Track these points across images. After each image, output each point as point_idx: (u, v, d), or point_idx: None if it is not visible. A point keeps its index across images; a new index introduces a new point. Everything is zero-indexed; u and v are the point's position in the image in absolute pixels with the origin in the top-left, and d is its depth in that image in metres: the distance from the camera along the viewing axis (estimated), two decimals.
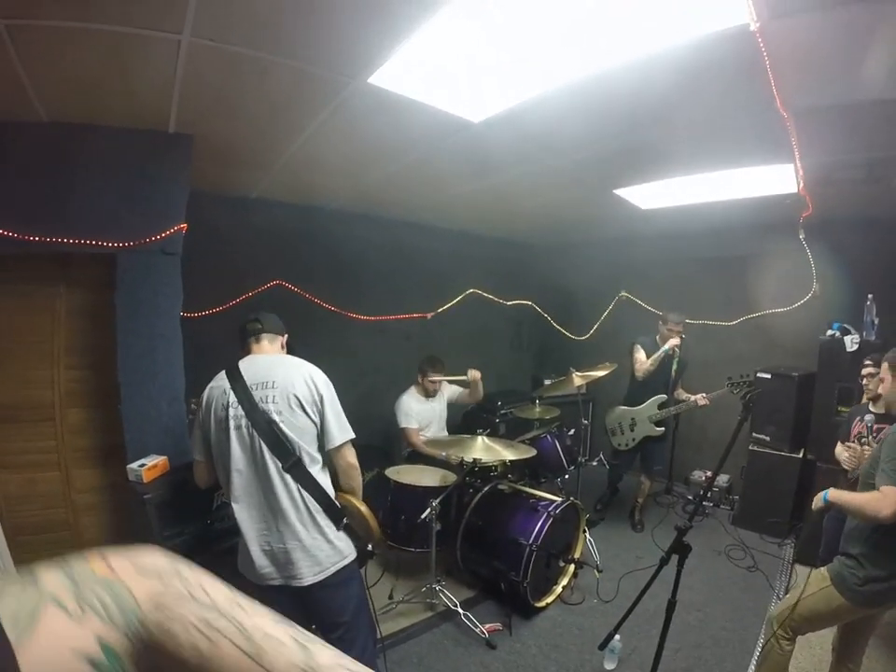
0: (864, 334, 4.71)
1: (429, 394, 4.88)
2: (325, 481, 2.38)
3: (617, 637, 3.24)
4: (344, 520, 2.40)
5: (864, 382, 3.81)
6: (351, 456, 2.46)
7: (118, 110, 2.87)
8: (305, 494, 2.28)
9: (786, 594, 4.05)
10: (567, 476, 4.99)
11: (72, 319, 3.29)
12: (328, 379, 2.42)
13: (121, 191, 3.09)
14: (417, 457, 4.65)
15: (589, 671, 3.35)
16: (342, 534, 2.38)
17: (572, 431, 5.49)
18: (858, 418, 3.76)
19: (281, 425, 2.27)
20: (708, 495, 5.62)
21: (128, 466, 2.93)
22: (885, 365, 2.66)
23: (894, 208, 4.74)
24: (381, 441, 5.24)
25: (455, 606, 3.77)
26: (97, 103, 2.76)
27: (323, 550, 2.30)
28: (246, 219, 4.62)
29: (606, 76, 2.55)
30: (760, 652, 2.95)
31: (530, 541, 3.70)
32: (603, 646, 2.80)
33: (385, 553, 4.24)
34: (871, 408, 3.74)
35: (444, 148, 3.56)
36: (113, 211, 3.06)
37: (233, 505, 2.33)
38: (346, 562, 2.39)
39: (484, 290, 6.47)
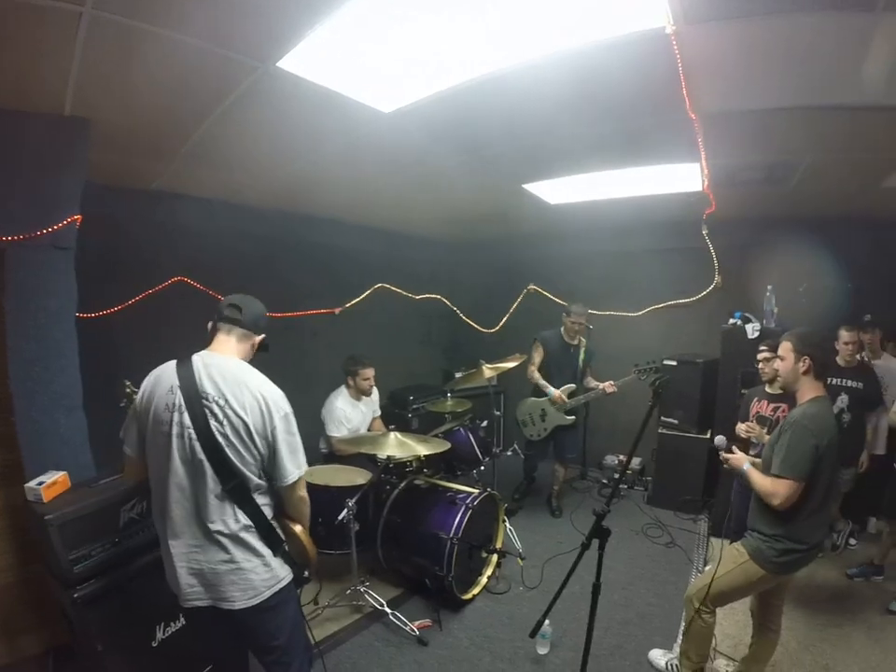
0: (765, 322, 5.01)
1: (364, 393, 4.75)
2: (266, 505, 2.17)
3: (546, 622, 3.28)
4: (284, 546, 2.21)
5: (760, 366, 4.04)
6: (302, 489, 2.24)
7: (5, 89, 2.58)
8: (244, 517, 2.08)
9: (705, 565, 4.29)
10: (482, 468, 4.99)
11: None
12: (287, 406, 2.15)
13: (8, 179, 2.79)
14: (333, 458, 4.53)
15: (522, 657, 3.37)
16: (278, 558, 2.17)
17: (485, 423, 5.52)
18: (756, 398, 4.02)
19: (226, 449, 2.01)
20: (623, 479, 5.82)
21: (25, 485, 2.65)
22: (787, 345, 2.74)
23: (791, 207, 5.13)
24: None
25: (382, 606, 3.70)
26: None
27: (258, 573, 2.10)
28: (146, 213, 4.32)
29: (519, 71, 2.57)
30: (683, 628, 3.04)
31: (451, 535, 3.68)
32: (533, 633, 2.79)
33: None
34: (767, 389, 3.98)
35: (354, 140, 3.48)
36: None
37: (162, 517, 2.08)
38: (282, 585, 2.18)
39: (393, 285, 6.42)
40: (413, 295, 6.71)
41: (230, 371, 2.09)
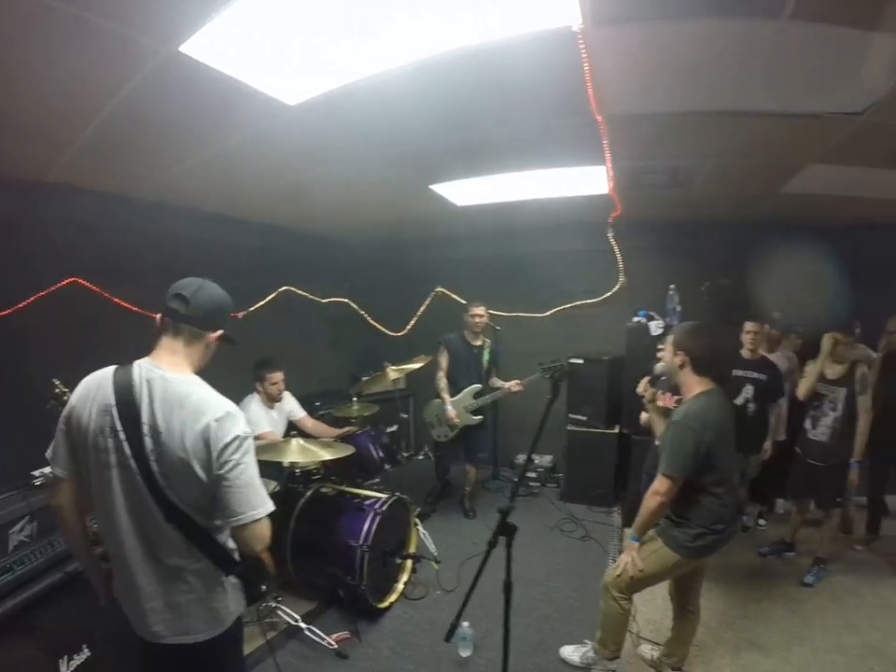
0: (668, 320, 5.23)
1: (273, 398, 4.55)
2: (222, 534, 1.86)
3: (465, 623, 3.29)
4: (240, 568, 1.91)
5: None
6: (254, 533, 1.77)
7: None
8: (198, 552, 1.79)
9: (620, 555, 4.41)
10: (387, 472, 4.89)
11: None
12: (238, 427, 1.74)
13: None
14: None
15: (446, 662, 3.33)
16: (235, 582, 1.90)
17: (395, 427, 5.43)
18: (660, 391, 4.12)
19: (165, 490, 1.71)
20: (525, 474, 5.90)
21: None
22: (669, 338, 2.94)
23: (695, 210, 5.40)
24: None
25: (297, 621, 3.54)
26: None
27: (220, 602, 1.85)
28: (39, 208, 3.89)
29: (428, 66, 2.50)
30: (601, 616, 3.09)
31: (361, 542, 3.59)
32: (449, 637, 2.68)
33: None
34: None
35: (258, 133, 3.29)
36: None
37: (115, 552, 1.80)
38: (239, 613, 1.95)
39: (300, 288, 6.20)
40: (320, 298, 6.52)
41: (170, 394, 1.73)
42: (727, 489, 2.73)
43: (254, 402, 4.47)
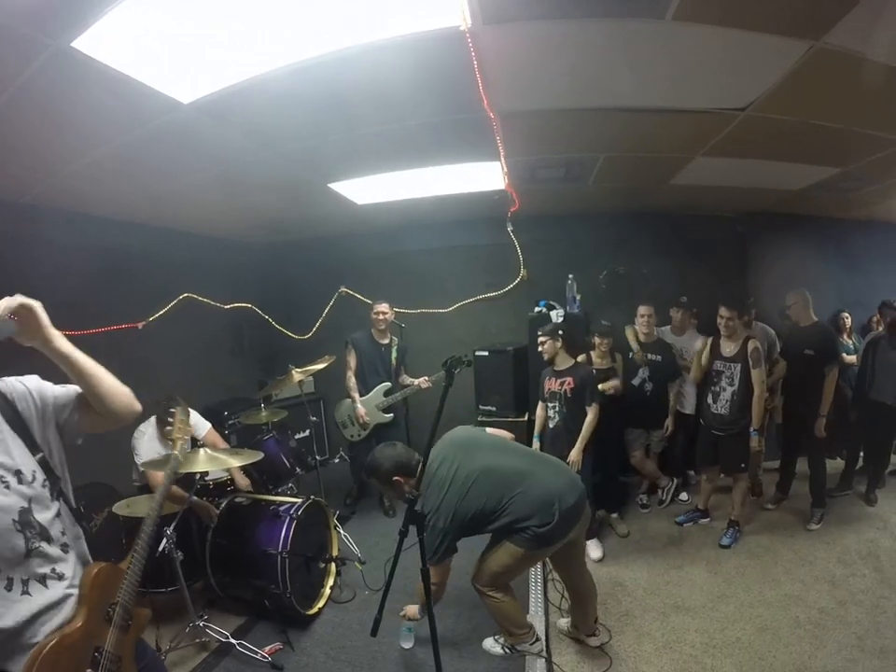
0: (568, 308, 5.44)
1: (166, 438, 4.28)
2: None
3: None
4: None
5: (539, 349, 4.41)
6: None
7: None
8: None
9: None
10: (298, 476, 4.86)
11: None
12: None
13: None
14: (147, 490, 4.03)
15: (382, 660, 3.34)
16: None
17: (307, 432, 5.35)
18: (547, 377, 4.44)
19: None
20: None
21: None
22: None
23: (588, 203, 5.69)
24: (106, 475, 4.45)
25: (227, 638, 3.42)
26: None
27: None
28: None
29: (319, 64, 2.54)
30: (488, 610, 3.19)
31: (280, 549, 3.53)
32: (374, 632, 2.66)
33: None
34: (553, 367, 4.40)
35: (152, 131, 3.17)
36: None
37: None
38: None
39: (201, 294, 5.98)
40: (223, 304, 6.34)
41: None
42: (520, 494, 2.85)
43: (142, 426, 4.12)
